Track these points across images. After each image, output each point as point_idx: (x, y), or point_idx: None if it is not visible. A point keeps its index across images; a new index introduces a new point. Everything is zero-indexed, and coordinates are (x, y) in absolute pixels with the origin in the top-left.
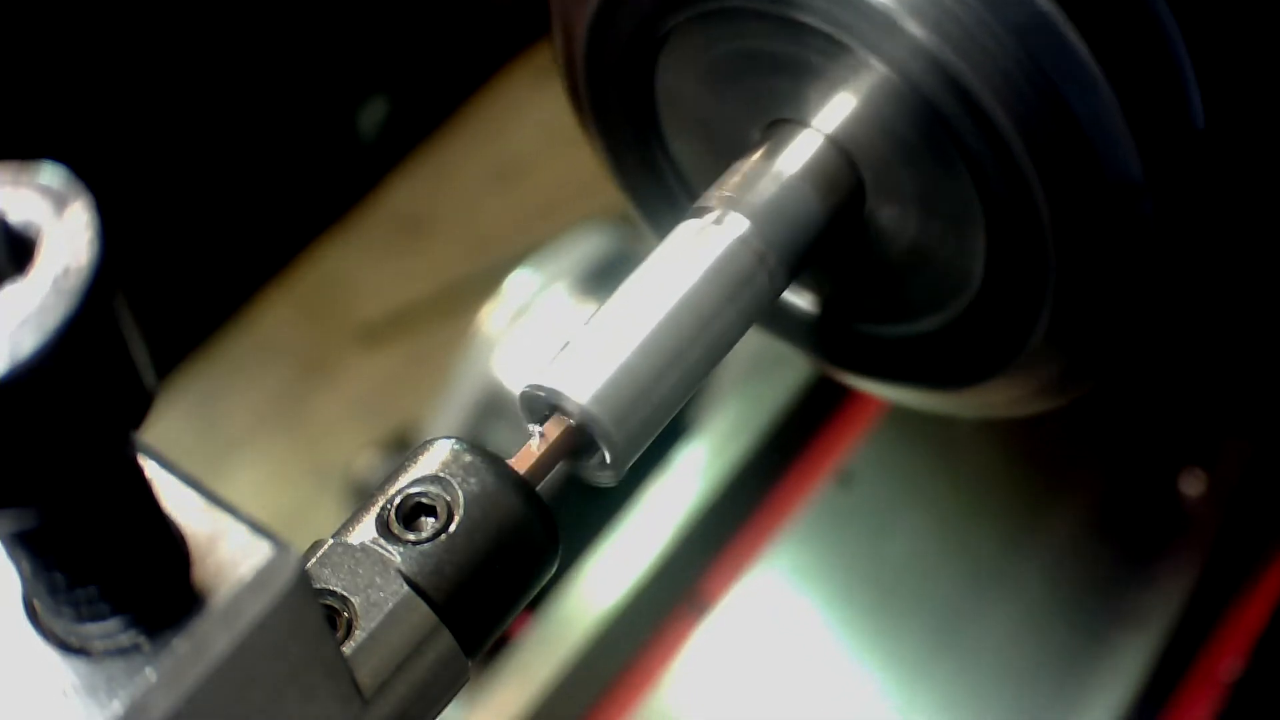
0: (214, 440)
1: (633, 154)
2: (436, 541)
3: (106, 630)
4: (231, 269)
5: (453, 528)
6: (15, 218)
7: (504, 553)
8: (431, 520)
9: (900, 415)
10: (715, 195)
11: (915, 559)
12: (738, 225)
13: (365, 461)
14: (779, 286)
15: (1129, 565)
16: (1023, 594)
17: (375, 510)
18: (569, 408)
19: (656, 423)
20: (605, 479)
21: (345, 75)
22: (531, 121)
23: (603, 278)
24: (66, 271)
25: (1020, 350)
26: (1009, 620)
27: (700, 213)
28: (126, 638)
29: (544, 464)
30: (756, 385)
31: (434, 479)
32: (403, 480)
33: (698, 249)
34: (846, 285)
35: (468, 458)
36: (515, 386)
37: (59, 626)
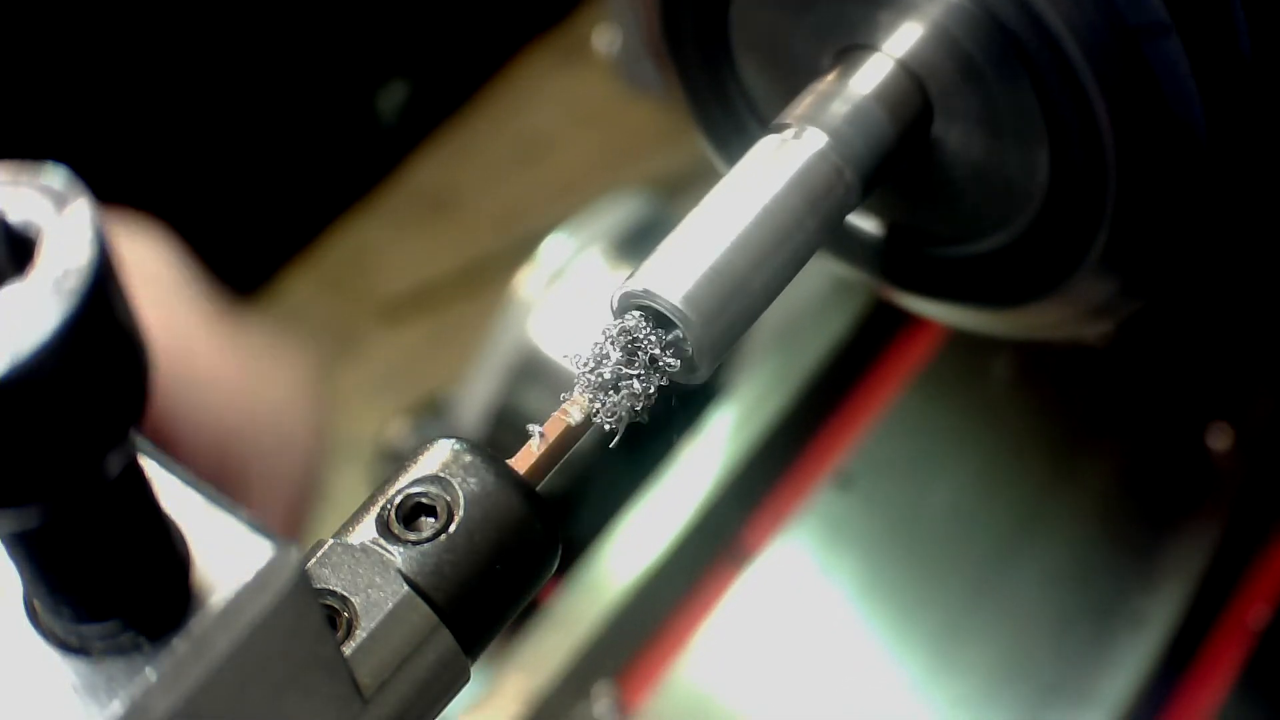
0: None
1: (705, 84)
2: (436, 541)
3: (106, 630)
4: (258, 246)
5: (453, 528)
6: (15, 217)
7: (504, 552)
8: (431, 520)
9: (933, 375)
10: (792, 113)
11: (951, 512)
12: (817, 140)
13: (397, 429)
14: (853, 202)
15: (1158, 519)
16: (1056, 546)
17: (375, 510)
18: (661, 306)
19: (742, 325)
20: (692, 377)
21: (367, 58)
22: (553, 101)
23: (637, 243)
24: (67, 272)
25: (1077, 268)
26: (1042, 572)
27: (779, 129)
28: (126, 638)
29: (544, 464)
30: (795, 340)
31: (434, 479)
32: (403, 480)
33: (778, 161)
34: (912, 207)
35: (468, 458)
36: (551, 350)
37: (59, 626)
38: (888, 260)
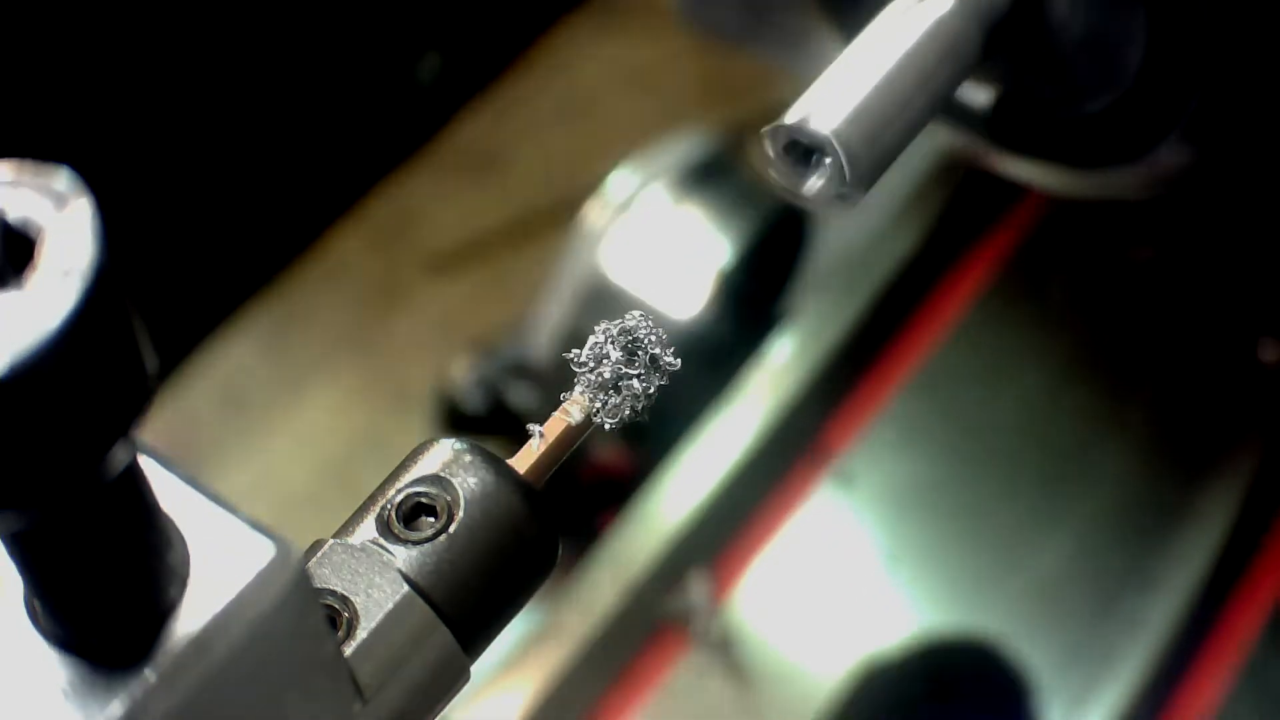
0: (291, 364)
1: None
2: (437, 541)
3: (105, 631)
4: (307, 206)
5: (453, 527)
6: (15, 217)
7: (504, 552)
8: (432, 520)
9: (996, 295)
10: None
11: (1025, 414)
12: (944, 1)
13: (459, 369)
14: (976, 59)
15: (1211, 428)
16: (1119, 449)
17: (375, 510)
18: (818, 137)
19: (891, 155)
20: (850, 198)
21: (406, 27)
22: (596, 62)
23: (700, 178)
24: (67, 272)
25: (1168, 133)
26: (1108, 472)
27: None
28: (125, 638)
29: (544, 464)
30: (857, 264)
31: (434, 479)
32: (403, 480)
33: (915, 16)
34: (1018, 73)
35: (468, 457)
36: (618, 278)
37: (58, 627)
38: (995, 123)
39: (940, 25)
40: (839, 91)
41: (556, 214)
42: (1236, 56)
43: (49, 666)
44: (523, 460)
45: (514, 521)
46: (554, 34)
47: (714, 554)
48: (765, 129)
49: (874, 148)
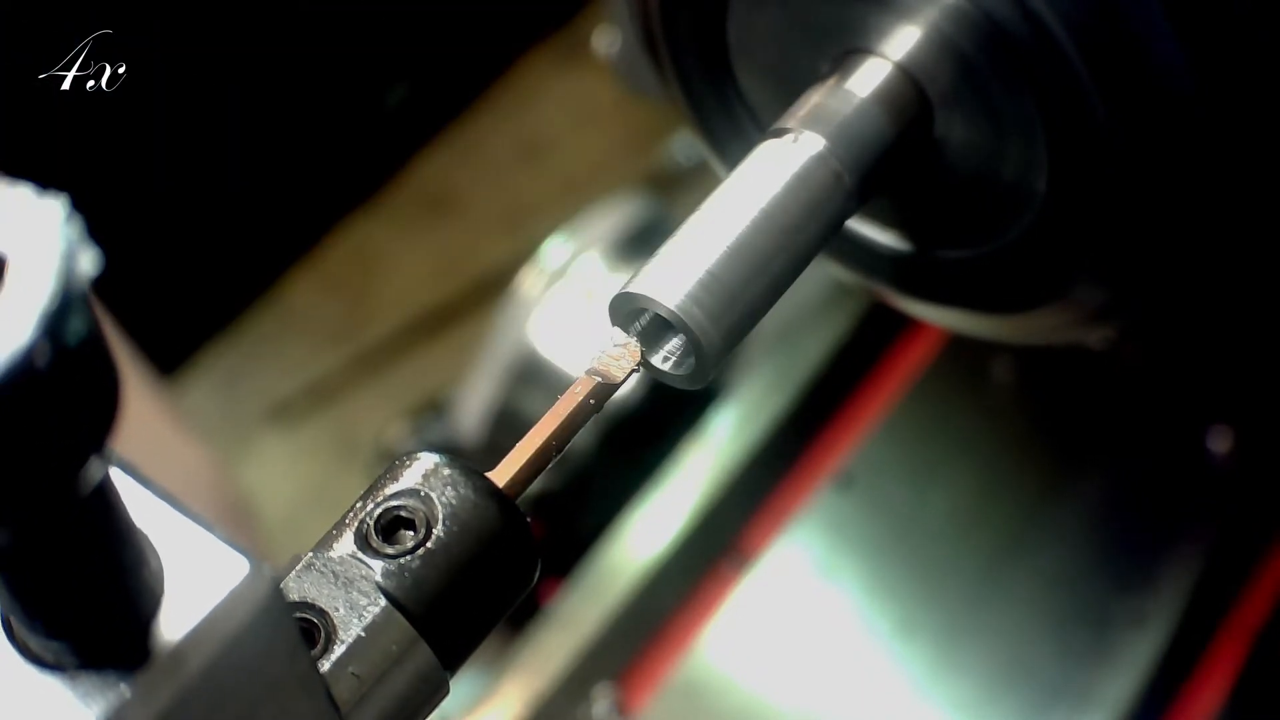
0: (244, 413)
1: (707, 94)
2: (415, 555)
3: (81, 646)
4: (261, 250)
5: (431, 542)
6: None
7: (482, 566)
8: (410, 534)
9: (934, 377)
10: (792, 118)
11: (952, 513)
12: (815, 144)
13: (395, 432)
14: (853, 205)
15: (1159, 521)
16: (1057, 547)
17: (354, 524)
18: (662, 311)
19: (743, 328)
20: (693, 382)
21: (371, 63)
22: (555, 101)
23: (635, 245)
24: (37, 291)
25: (1078, 272)
26: (1044, 572)
27: (778, 134)
28: (101, 654)
29: (523, 478)
30: (795, 341)
31: (413, 492)
32: (382, 493)
33: (778, 166)
34: (914, 211)
35: (447, 471)
36: (548, 352)
37: (34, 643)
38: (888, 265)
39: (807, 173)
40: (684, 260)
41: (517, 264)
42: (1147, 183)
43: (25, 682)
44: (502, 473)
45: (492, 535)
46: (512, 73)
47: (622, 666)
48: (612, 297)
49: (721, 322)
